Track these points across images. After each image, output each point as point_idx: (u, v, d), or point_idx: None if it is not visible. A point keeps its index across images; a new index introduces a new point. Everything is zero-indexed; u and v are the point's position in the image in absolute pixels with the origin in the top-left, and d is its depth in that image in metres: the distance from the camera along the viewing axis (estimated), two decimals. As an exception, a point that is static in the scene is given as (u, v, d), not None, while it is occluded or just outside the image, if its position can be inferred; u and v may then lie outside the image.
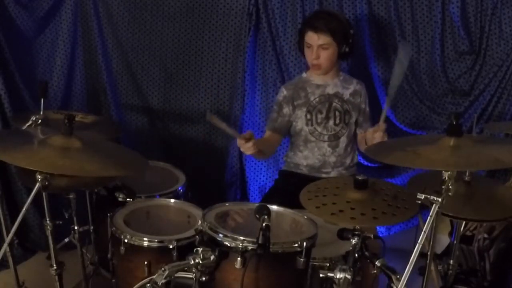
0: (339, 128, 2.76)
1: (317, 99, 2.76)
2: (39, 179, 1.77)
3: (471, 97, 2.99)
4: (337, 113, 2.75)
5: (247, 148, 2.40)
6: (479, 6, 2.88)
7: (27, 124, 2.29)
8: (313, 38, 2.64)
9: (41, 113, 2.34)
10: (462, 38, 2.94)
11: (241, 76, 3.19)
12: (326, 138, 2.76)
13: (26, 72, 3.20)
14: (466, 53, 2.97)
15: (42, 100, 2.42)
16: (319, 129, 2.76)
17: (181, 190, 2.61)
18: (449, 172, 1.60)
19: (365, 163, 3.14)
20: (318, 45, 2.64)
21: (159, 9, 3.24)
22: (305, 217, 2.04)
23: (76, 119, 1.91)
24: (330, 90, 2.76)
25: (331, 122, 2.75)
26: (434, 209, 1.59)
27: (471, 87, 3.00)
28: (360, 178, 1.81)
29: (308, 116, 2.76)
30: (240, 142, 2.40)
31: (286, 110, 2.78)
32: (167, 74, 3.34)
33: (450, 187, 1.60)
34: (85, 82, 3.38)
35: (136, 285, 1.79)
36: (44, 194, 1.91)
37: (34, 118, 2.30)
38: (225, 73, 3.26)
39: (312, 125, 2.76)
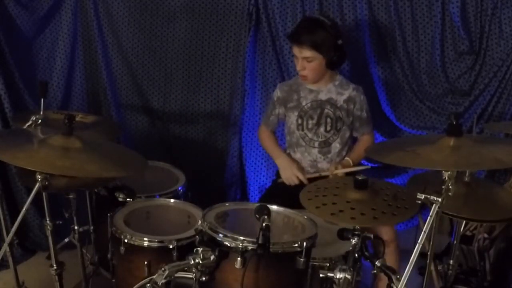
0: (330, 134, 2.74)
1: (308, 105, 2.74)
2: (39, 179, 1.77)
3: (471, 97, 2.98)
4: (328, 120, 2.73)
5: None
6: (479, 6, 2.88)
7: (27, 124, 2.29)
8: (297, 51, 2.63)
9: (41, 113, 2.34)
10: (462, 38, 2.94)
11: (241, 76, 3.19)
12: (316, 144, 2.75)
13: (26, 72, 3.20)
14: (466, 53, 2.97)
15: (42, 100, 2.42)
16: (309, 135, 2.75)
17: (181, 190, 2.61)
18: (449, 172, 1.60)
19: (365, 163, 3.14)
20: (302, 58, 2.63)
21: (159, 9, 3.24)
22: (305, 217, 2.05)
23: (76, 119, 1.91)
24: (323, 96, 2.74)
25: (321, 129, 2.74)
26: (434, 209, 1.59)
27: (471, 87, 3.00)
28: (360, 178, 1.81)
29: (299, 121, 2.76)
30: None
31: (278, 110, 2.83)
32: (167, 74, 3.34)
33: (450, 187, 1.60)
34: (85, 82, 3.38)
35: (136, 285, 1.79)
36: (44, 194, 1.91)
37: (34, 118, 2.29)
38: (225, 73, 3.26)
39: (303, 130, 2.76)
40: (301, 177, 2.64)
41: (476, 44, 2.94)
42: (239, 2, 3.14)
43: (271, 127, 2.91)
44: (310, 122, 2.74)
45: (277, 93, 2.83)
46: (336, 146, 2.75)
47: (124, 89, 3.38)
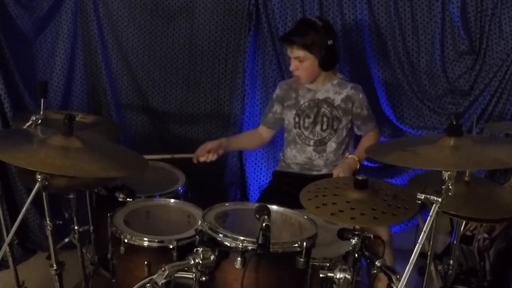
0: (326, 133, 2.76)
1: (306, 103, 2.78)
2: (39, 179, 1.77)
3: (471, 97, 2.99)
4: (324, 118, 2.75)
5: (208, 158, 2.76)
6: (479, 6, 2.88)
7: (27, 124, 2.29)
8: (289, 52, 2.69)
9: (41, 113, 2.34)
10: (462, 38, 2.94)
11: (241, 76, 3.19)
12: (311, 142, 2.77)
13: (26, 72, 3.20)
14: (466, 53, 2.97)
15: (42, 100, 2.42)
16: (305, 133, 2.78)
17: (181, 190, 2.60)
18: (449, 172, 1.60)
19: (365, 163, 3.14)
20: (294, 58, 2.66)
21: (159, 9, 3.24)
22: (305, 217, 2.05)
23: (76, 119, 1.91)
24: (320, 95, 2.76)
25: (318, 128, 2.76)
26: (434, 209, 1.59)
27: (471, 87, 3.00)
28: (360, 178, 1.81)
29: (297, 119, 2.79)
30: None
31: (276, 108, 2.86)
32: (167, 74, 3.34)
33: (450, 187, 1.60)
34: (85, 82, 3.38)
35: (136, 285, 1.79)
36: (44, 194, 1.91)
37: (34, 118, 2.29)
38: (225, 73, 3.26)
39: (299, 128, 2.79)
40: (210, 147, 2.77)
41: (476, 44, 2.94)
42: (239, 2, 3.14)
43: (268, 125, 2.94)
44: (307, 120, 2.77)
45: (277, 91, 2.88)
46: (331, 145, 2.76)
47: (124, 89, 3.38)
